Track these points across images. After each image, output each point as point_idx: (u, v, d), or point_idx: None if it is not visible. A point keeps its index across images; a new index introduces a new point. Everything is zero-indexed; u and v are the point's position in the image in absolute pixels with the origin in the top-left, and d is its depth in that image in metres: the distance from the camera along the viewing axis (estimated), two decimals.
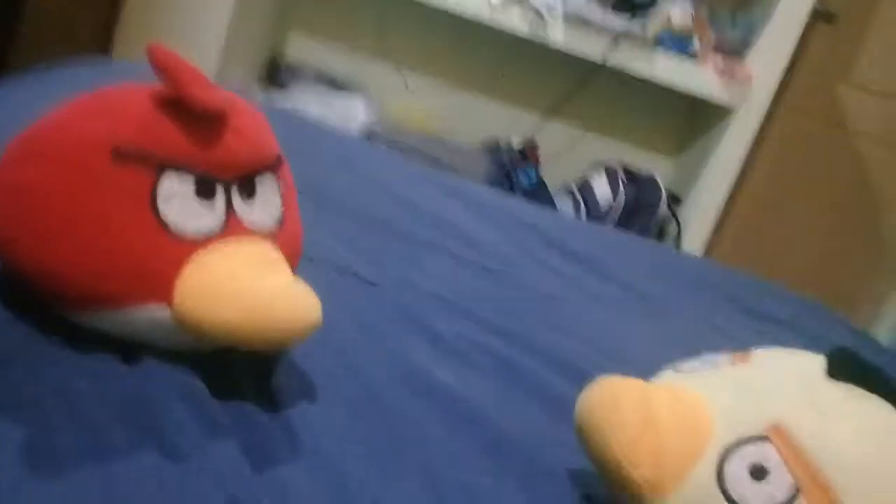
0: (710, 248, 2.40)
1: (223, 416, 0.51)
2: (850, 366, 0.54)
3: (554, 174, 2.37)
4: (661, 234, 2.31)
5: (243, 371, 0.57)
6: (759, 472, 0.50)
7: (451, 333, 0.76)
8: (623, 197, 2.19)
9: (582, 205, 2.22)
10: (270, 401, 0.56)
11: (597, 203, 2.21)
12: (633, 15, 2.12)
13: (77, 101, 0.56)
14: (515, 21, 2.06)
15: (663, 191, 2.27)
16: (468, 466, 0.60)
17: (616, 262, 1.12)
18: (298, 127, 1.17)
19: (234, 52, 1.96)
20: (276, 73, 2.21)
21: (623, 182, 2.23)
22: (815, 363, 0.55)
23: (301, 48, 2.35)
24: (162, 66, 0.53)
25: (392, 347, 0.70)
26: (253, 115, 0.61)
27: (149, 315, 0.52)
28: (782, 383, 0.54)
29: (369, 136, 2.04)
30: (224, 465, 0.47)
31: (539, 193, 2.19)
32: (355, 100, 2.10)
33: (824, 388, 0.53)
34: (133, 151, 0.52)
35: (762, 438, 0.51)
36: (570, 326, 0.89)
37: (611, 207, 2.20)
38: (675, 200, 2.36)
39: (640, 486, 0.52)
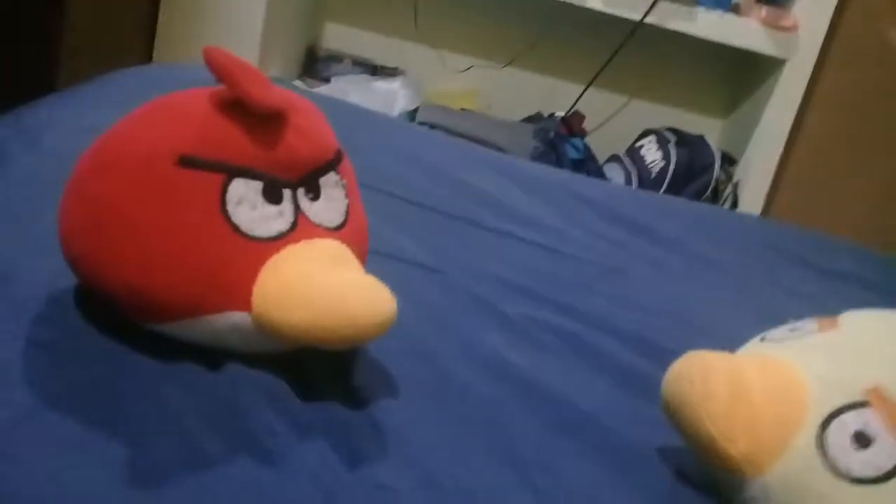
0: (769, 206, 2.35)
1: (310, 416, 0.52)
2: None
3: (602, 143, 2.33)
4: (716, 196, 2.26)
5: (324, 370, 0.57)
6: (862, 440, 0.48)
7: (519, 315, 0.76)
8: (674, 161, 2.15)
9: (633, 172, 2.18)
10: (353, 398, 0.56)
11: (648, 169, 2.17)
12: None
13: (139, 111, 0.56)
14: None
15: (716, 151, 2.21)
16: (553, 448, 0.59)
17: (675, 228, 1.09)
18: (343, 114, 1.17)
19: (272, 45, 1.97)
20: (314, 64, 2.21)
21: (674, 146, 2.18)
22: None
23: (338, 36, 2.35)
24: (219, 67, 0.53)
25: (463, 334, 0.70)
26: (311, 112, 0.61)
27: (228, 321, 0.52)
28: (876, 346, 0.53)
29: (412, 118, 2.04)
30: (318, 466, 0.48)
31: (587, 164, 2.16)
32: (395, 84, 2.09)
33: None
34: (199, 158, 0.52)
35: (862, 404, 0.49)
36: (636, 299, 0.87)
37: (663, 173, 2.15)
38: (729, 161, 2.31)
39: (737, 461, 0.51)
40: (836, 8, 2.18)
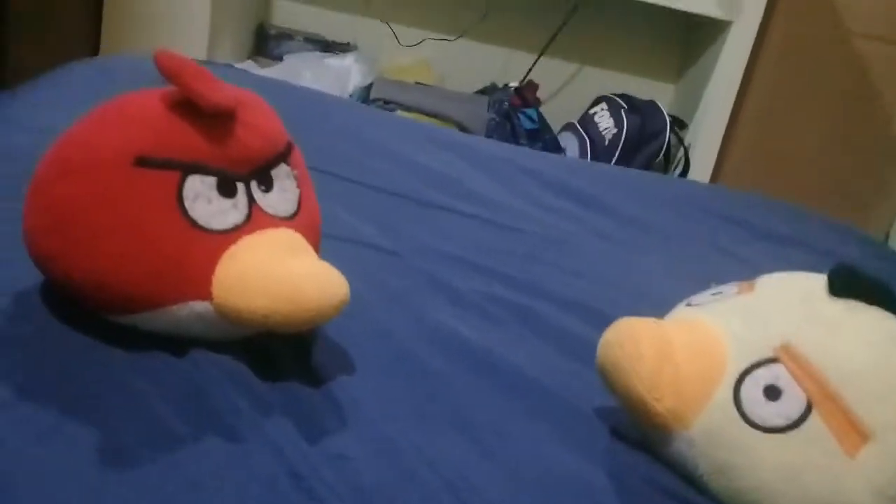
0: (719, 168, 2.41)
1: (272, 395, 0.55)
2: (850, 281, 0.56)
3: (555, 112, 2.37)
4: (668, 161, 2.31)
5: (284, 352, 0.61)
6: (773, 392, 0.53)
7: (470, 290, 0.80)
8: (627, 127, 2.20)
9: (587, 140, 2.22)
10: (312, 376, 0.60)
11: (601, 136, 2.21)
12: None
13: (95, 114, 0.59)
14: None
15: (667, 116, 2.26)
16: (501, 412, 0.64)
17: (621, 198, 1.14)
18: (294, 98, 1.19)
19: (222, 24, 1.96)
20: (265, 42, 2.21)
21: (625, 112, 2.23)
22: (816, 282, 0.58)
23: (288, 13, 2.34)
24: (169, 70, 0.56)
25: (416, 311, 0.74)
26: (260, 107, 0.64)
27: (189, 311, 0.56)
28: (787, 305, 0.57)
29: (366, 94, 2.05)
30: (282, 441, 0.51)
31: (542, 133, 2.20)
32: (348, 60, 2.10)
33: (827, 305, 0.56)
34: (155, 158, 0.55)
35: (773, 360, 0.54)
36: (582, 268, 0.92)
37: (616, 139, 2.20)
38: (680, 125, 2.36)
39: (663, 417, 0.56)
40: None
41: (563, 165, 1.27)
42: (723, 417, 0.54)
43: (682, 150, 2.32)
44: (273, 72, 1.95)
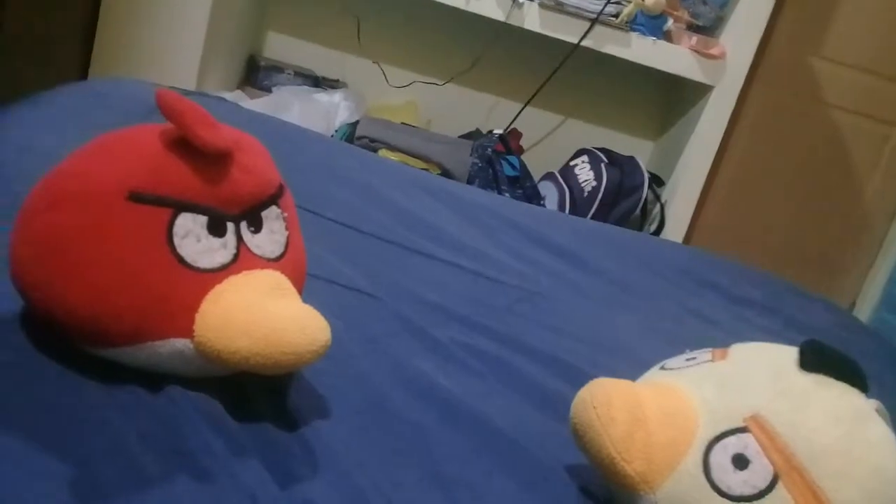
0: (693, 227, 2.46)
1: (246, 437, 0.55)
2: (820, 356, 0.58)
3: (537, 161, 2.41)
4: (645, 216, 2.35)
5: (259, 392, 0.61)
6: (741, 461, 0.55)
7: (448, 339, 0.81)
8: (606, 181, 2.23)
9: (566, 191, 2.26)
10: (287, 419, 0.60)
11: (580, 188, 2.25)
12: None
13: (91, 146, 0.59)
14: (491, 7, 2.09)
15: (645, 172, 2.31)
16: (472, 465, 0.64)
17: (600, 254, 1.16)
18: (283, 135, 1.20)
19: (213, 53, 1.98)
20: (255, 74, 2.23)
21: (605, 166, 2.27)
22: (788, 355, 0.60)
23: (280, 47, 2.36)
24: (170, 110, 0.57)
25: (394, 357, 0.75)
26: (255, 149, 0.65)
27: (171, 348, 0.56)
28: (758, 376, 0.59)
29: (352, 131, 2.07)
30: (253, 483, 0.51)
31: (523, 181, 2.23)
32: (337, 97, 2.12)
33: (796, 379, 0.58)
34: (148, 194, 0.56)
35: (742, 429, 0.55)
36: (558, 323, 0.93)
37: (594, 192, 2.24)
38: (657, 182, 2.41)
39: (633, 479, 0.57)
40: (761, 38, 2.29)
41: (544, 218, 1.29)
42: (691, 483, 0.55)
43: (658, 206, 2.37)
44: (262, 103, 1.97)
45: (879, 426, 0.56)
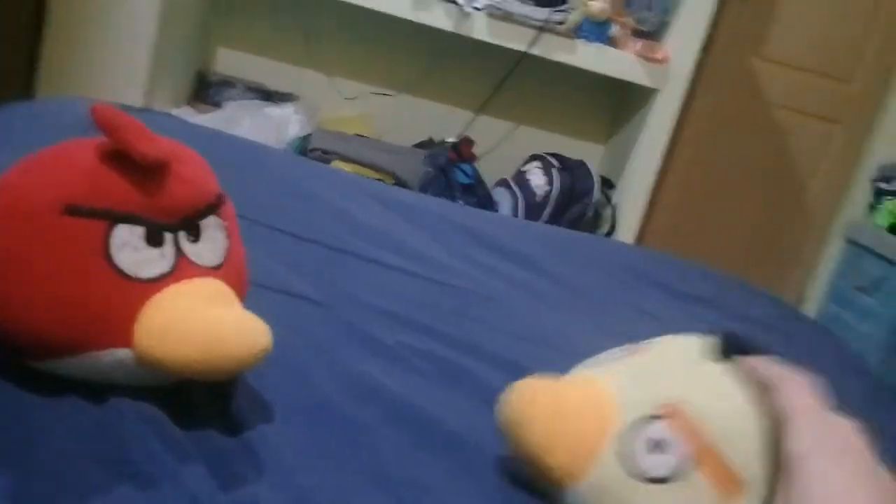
0: (645, 228, 2.51)
1: (190, 444, 0.56)
2: (733, 346, 0.62)
3: (490, 168, 2.43)
4: (597, 219, 2.39)
5: (203, 398, 0.62)
6: (657, 446, 0.57)
7: (396, 343, 0.82)
8: (558, 185, 2.27)
9: (520, 197, 2.29)
10: (231, 424, 0.61)
11: (533, 193, 2.28)
12: (554, 5, 2.19)
13: (28, 162, 0.60)
14: (439, 17, 2.12)
15: (595, 176, 2.35)
16: (418, 465, 0.65)
17: (549, 257, 1.18)
18: (230, 148, 1.21)
19: (161, 70, 1.98)
20: (206, 90, 2.22)
21: (557, 170, 2.31)
22: (699, 345, 0.63)
23: (230, 62, 2.36)
24: (105, 124, 0.57)
25: (340, 362, 0.75)
26: (193, 159, 0.65)
27: (111, 358, 0.56)
28: (674, 366, 0.62)
29: (304, 144, 2.07)
30: (196, 489, 0.52)
31: (476, 188, 2.25)
32: (288, 110, 2.13)
33: (710, 367, 0.61)
34: (84, 207, 0.56)
35: (658, 417, 0.58)
36: (507, 326, 0.95)
37: (547, 197, 2.27)
38: (608, 185, 2.45)
39: (556, 472, 0.59)
40: (704, 41, 2.35)
41: (497, 223, 1.31)
42: (610, 470, 0.58)
43: (610, 209, 2.41)
44: (211, 118, 1.96)
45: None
